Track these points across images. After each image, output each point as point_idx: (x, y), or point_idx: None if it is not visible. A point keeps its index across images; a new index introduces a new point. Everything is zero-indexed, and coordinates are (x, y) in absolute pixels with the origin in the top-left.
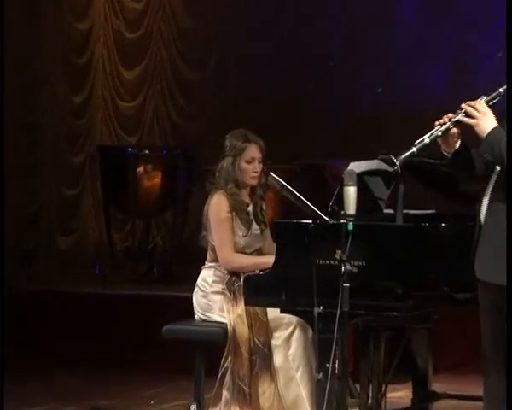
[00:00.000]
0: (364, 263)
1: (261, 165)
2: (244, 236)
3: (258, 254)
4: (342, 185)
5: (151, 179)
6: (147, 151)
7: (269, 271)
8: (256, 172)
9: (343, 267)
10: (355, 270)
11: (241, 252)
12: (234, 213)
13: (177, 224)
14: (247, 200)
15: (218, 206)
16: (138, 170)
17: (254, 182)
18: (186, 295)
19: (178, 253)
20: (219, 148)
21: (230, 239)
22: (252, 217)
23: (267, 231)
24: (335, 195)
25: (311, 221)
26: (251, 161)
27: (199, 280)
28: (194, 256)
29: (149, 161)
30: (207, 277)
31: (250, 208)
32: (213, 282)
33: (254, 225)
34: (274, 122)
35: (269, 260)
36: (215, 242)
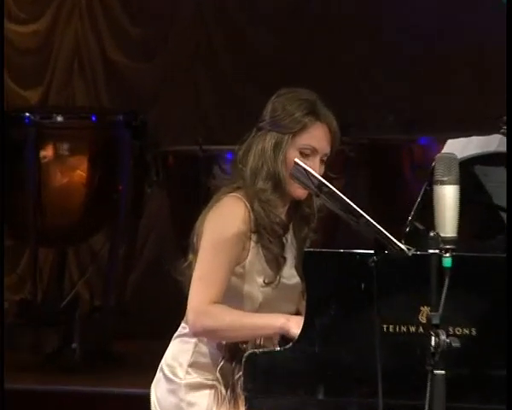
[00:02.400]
0: (475, 332)
1: (323, 167)
2: (267, 284)
3: None
4: (432, 183)
5: (68, 171)
6: (59, 118)
7: (292, 344)
8: None
9: (434, 339)
10: (456, 344)
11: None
12: (255, 238)
13: (117, 255)
14: (285, 220)
15: (227, 217)
16: (43, 154)
17: (301, 196)
18: (135, 391)
19: (120, 312)
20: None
21: (220, 278)
22: (288, 252)
23: None
24: (419, 201)
25: (371, 251)
26: (309, 153)
27: (165, 361)
28: (151, 318)
29: (65, 136)
30: (182, 355)
31: (288, 237)
32: (193, 366)
33: (288, 268)
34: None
35: (276, 321)
36: (193, 274)
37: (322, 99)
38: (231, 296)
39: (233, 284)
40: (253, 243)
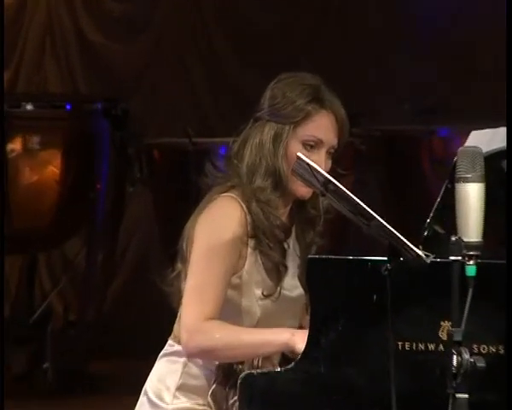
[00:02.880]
0: (503, 350)
1: (330, 162)
2: (266, 296)
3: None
4: (453, 181)
5: (39, 167)
6: (29, 106)
7: (294, 364)
8: None
9: (456, 358)
10: (481, 363)
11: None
12: (253, 243)
13: (95, 263)
14: (287, 222)
15: (221, 220)
16: (11, 147)
17: (306, 195)
18: None
19: (98, 328)
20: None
21: (216, 291)
22: (290, 260)
23: None
24: (438, 201)
25: (385, 258)
26: (313, 145)
27: (150, 383)
28: (133, 334)
29: (35, 127)
30: (169, 376)
31: (290, 243)
32: (181, 389)
33: (290, 278)
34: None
35: (280, 336)
36: (185, 287)
37: (329, 85)
38: (226, 311)
39: (228, 297)
40: (250, 250)
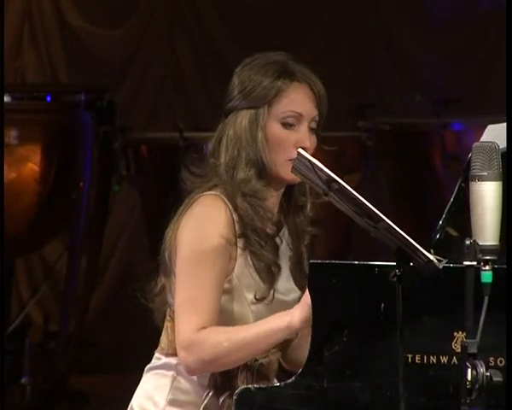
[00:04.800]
0: None
1: (314, 138)
2: (259, 300)
3: (279, 357)
4: (468, 179)
5: (17, 164)
6: (6, 98)
7: (295, 378)
8: (304, 148)
9: (470, 372)
10: (498, 378)
11: None
12: (242, 243)
13: (77, 269)
14: (278, 214)
15: (206, 221)
16: None
17: (296, 177)
18: None
19: (80, 341)
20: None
21: (210, 299)
22: (283, 259)
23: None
24: (452, 201)
25: (393, 263)
26: (293, 121)
27: (137, 399)
28: (118, 347)
29: (13, 120)
30: (157, 392)
31: (284, 237)
32: (171, 404)
33: (285, 280)
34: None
35: (281, 321)
36: (176, 301)
37: (331, 74)
38: (219, 319)
39: (220, 304)
40: (239, 251)
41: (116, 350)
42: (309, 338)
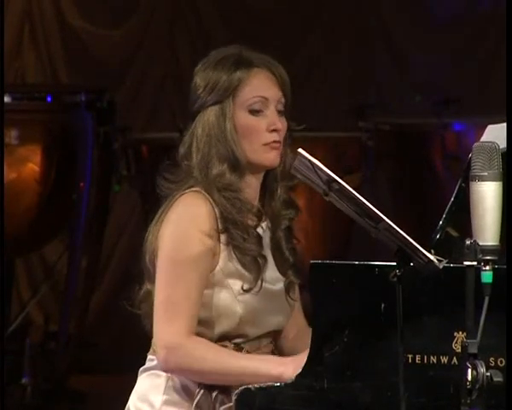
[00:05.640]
0: None
1: (284, 119)
2: (246, 291)
3: (273, 349)
4: (468, 179)
5: (17, 164)
6: (6, 98)
7: (296, 379)
8: (277, 130)
9: (471, 372)
10: (499, 378)
11: (225, 336)
12: (224, 239)
13: (78, 269)
14: (259, 204)
15: (187, 219)
16: None
17: (275, 160)
18: None
19: (80, 341)
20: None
21: (192, 302)
22: (267, 248)
23: (295, 292)
24: (452, 201)
25: (393, 263)
26: (260, 107)
27: (133, 401)
28: (118, 347)
29: (13, 120)
30: (152, 392)
31: (264, 227)
32: (167, 404)
33: (271, 270)
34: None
35: (273, 368)
36: (157, 299)
37: (330, 72)
38: (203, 314)
39: (204, 299)
40: (222, 246)
41: (116, 350)
42: (307, 330)
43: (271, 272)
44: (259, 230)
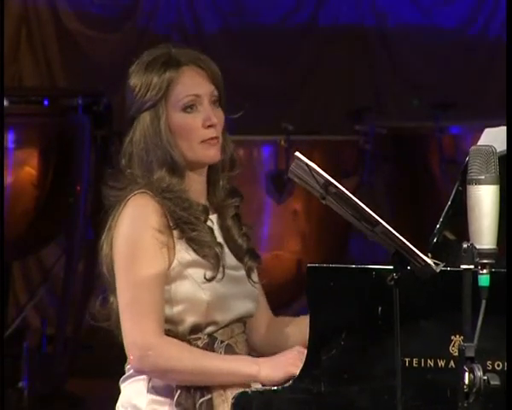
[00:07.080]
0: None
1: (220, 110)
2: (209, 280)
3: (247, 339)
4: (465, 182)
5: (14, 168)
6: (4, 101)
7: (292, 382)
8: (213, 125)
9: (468, 376)
10: (496, 382)
11: (197, 328)
12: (177, 233)
13: (75, 273)
14: (204, 202)
15: (138, 219)
16: None
17: (215, 156)
18: None
19: (78, 344)
20: None
21: (156, 299)
22: (221, 240)
23: (256, 276)
24: (449, 205)
25: (390, 267)
26: (193, 103)
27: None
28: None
29: (10, 124)
30: (136, 397)
31: (213, 220)
32: (152, 404)
33: (230, 259)
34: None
35: (247, 367)
36: (121, 304)
37: (328, 76)
38: (168, 307)
39: (166, 294)
40: (176, 240)
41: (113, 354)
42: (274, 322)
43: (230, 260)
44: (209, 223)
